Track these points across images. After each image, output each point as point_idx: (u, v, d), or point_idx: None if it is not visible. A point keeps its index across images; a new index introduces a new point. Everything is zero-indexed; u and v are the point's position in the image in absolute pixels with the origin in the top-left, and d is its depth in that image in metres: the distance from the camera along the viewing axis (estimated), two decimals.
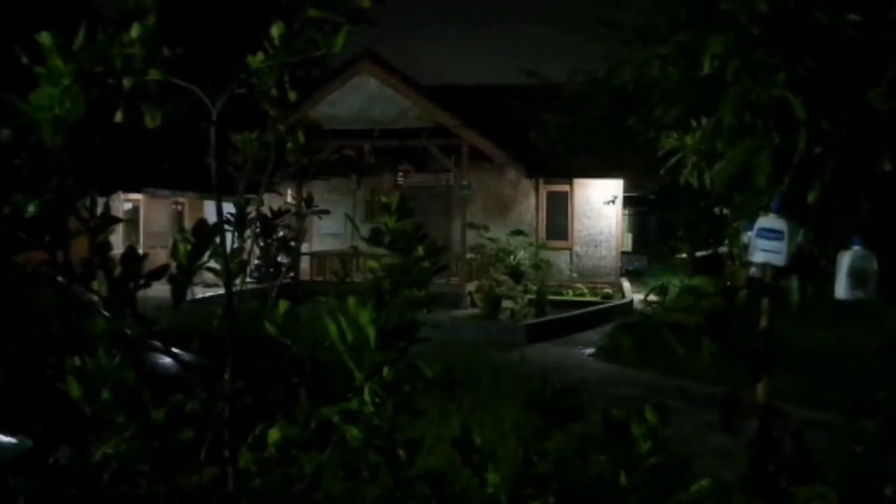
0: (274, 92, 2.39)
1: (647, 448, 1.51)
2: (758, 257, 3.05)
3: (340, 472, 1.43)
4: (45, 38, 1.28)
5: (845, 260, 2.90)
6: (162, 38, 1.98)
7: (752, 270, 3.21)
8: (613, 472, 1.50)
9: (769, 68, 2.94)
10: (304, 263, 15.27)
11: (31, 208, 1.21)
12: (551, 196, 18.20)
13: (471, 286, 14.69)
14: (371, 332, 1.51)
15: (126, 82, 1.61)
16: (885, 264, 3.04)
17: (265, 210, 5.18)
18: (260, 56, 2.30)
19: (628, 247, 25.93)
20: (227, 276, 1.86)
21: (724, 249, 3.89)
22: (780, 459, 2.87)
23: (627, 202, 20.06)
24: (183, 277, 1.67)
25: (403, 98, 14.67)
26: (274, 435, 1.43)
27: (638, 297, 14.78)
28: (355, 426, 1.49)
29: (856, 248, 2.91)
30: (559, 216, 18.14)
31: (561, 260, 17.68)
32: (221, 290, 1.75)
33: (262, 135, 2.62)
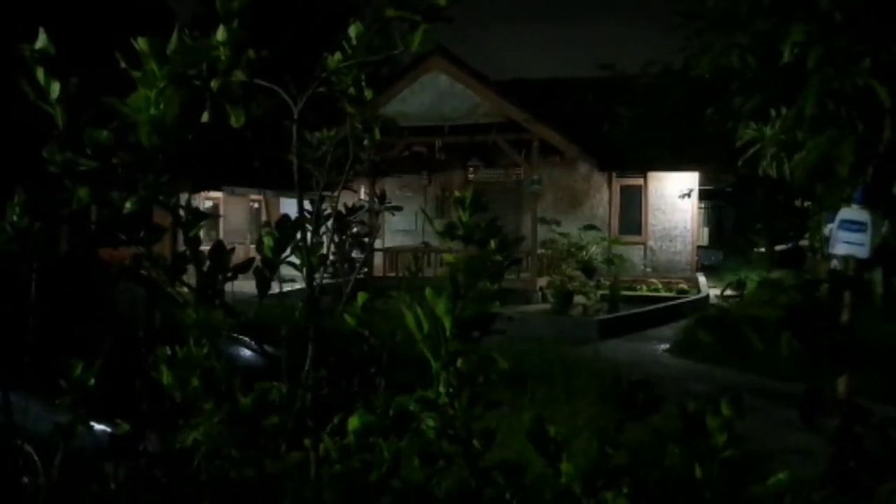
0: (352, 90, 2.49)
1: (723, 441, 1.51)
2: (840, 249, 2.96)
3: (416, 460, 1.48)
4: (142, 43, 1.39)
5: None
6: (247, 41, 2.10)
7: (835, 263, 3.12)
8: (689, 465, 1.51)
9: (852, 56, 2.85)
10: (377, 259, 15.55)
11: (128, 205, 1.31)
12: (624, 190, 17.89)
13: (542, 281, 14.62)
14: (447, 322, 1.57)
15: (213, 83, 1.72)
16: None
17: (340, 207, 5.36)
18: (338, 56, 2.41)
19: (704, 241, 25.18)
20: (310, 270, 1.96)
21: (804, 243, 3.78)
22: (862, 455, 2.78)
23: (703, 195, 19.50)
24: (268, 270, 1.77)
25: (473, 94, 14.72)
26: (354, 423, 1.48)
27: (714, 293, 14.37)
28: (430, 415, 1.53)
29: None
30: (632, 210, 17.82)
31: (634, 255, 17.36)
32: (297, 286, 1.84)
33: (340, 132, 2.74)
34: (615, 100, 14.26)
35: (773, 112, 3.38)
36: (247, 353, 5.23)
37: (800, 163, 3.21)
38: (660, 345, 10.84)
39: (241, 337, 5.61)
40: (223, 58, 1.98)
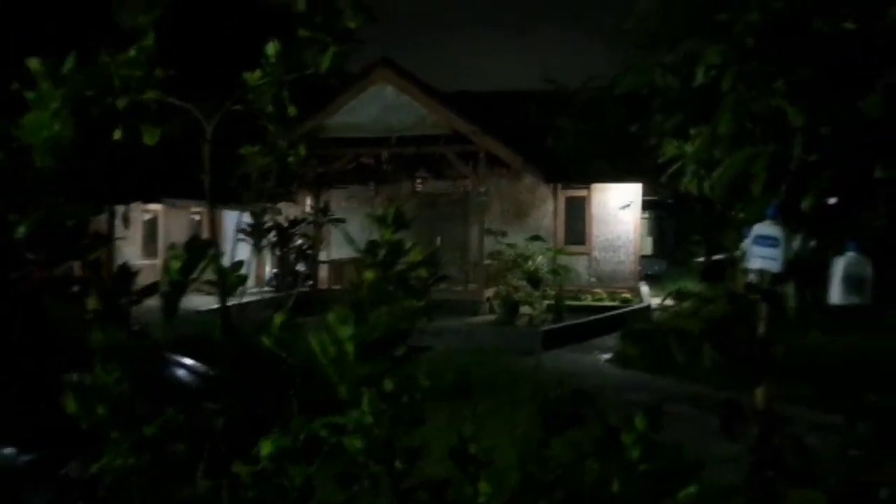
0: (271, 108, 2.48)
1: (638, 455, 1.54)
2: (755, 264, 3.08)
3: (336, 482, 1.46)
4: (33, 63, 1.35)
5: (840, 265, 2.92)
6: (160, 58, 2.06)
7: (751, 276, 3.23)
8: (606, 480, 1.53)
9: (765, 77, 2.97)
10: (323, 272, 15.43)
11: (21, 229, 1.27)
12: (569, 201, 18.19)
13: (489, 292, 14.73)
14: (350, 347, 1.57)
15: (119, 103, 1.68)
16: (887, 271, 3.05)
17: (282, 220, 5.29)
18: (258, 73, 2.39)
19: (648, 251, 25.77)
20: (224, 291, 1.93)
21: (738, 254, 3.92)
22: (779, 464, 2.89)
23: (646, 206, 19.97)
24: (174, 293, 1.73)
25: (420, 106, 14.78)
26: (267, 447, 1.45)
27: (656, 302, 14.71)
28: (356, 437, 1.52)
29: (850, 253, 2.93)
30: (577, 221, 18.13)
31: (579, 265, 17.65)
32: (243, 299, 1.82)
33: (265, 148, 2.71)
34: (559, 113, 14.52)
35: (692, 130, 3.50)
36: (184, 373, 5.10)
37: (717, 179, 3.33)
38: (602, 354, 11.03)
39: (178, 358, 5.46)
40: (135, 76, 1.95)
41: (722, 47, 2.90)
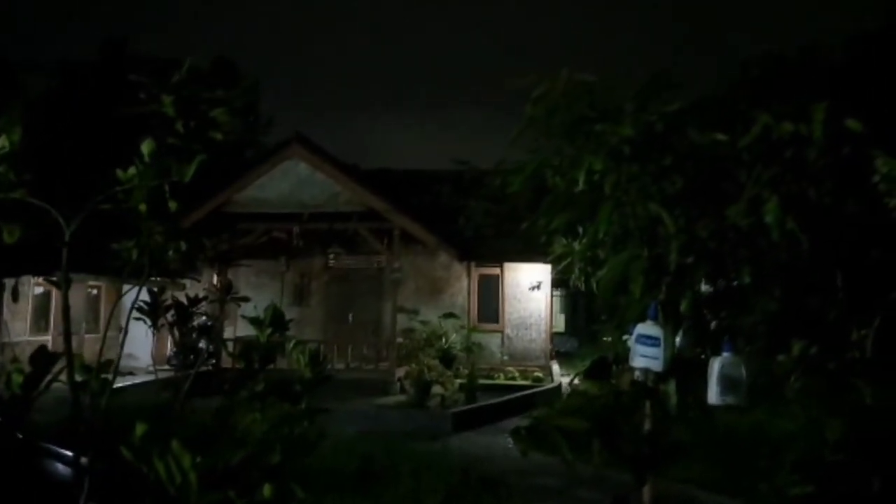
0: (143, 207, 2.39)
1: None
2: (638, 363, 3.15)
3: None
4: None
5: (716, 366, 3.02)
6: (29, 159, 2.00)
7: (637, 374, 3.30)
8: None
9: (642, 184, 3.13)
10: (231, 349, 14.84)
11: None
12: (483, 279, 18.41)
13: (400, 371, 14.52)
14: (193, 477, 1.48)
15: None
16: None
17: (185, 296, 4.97)
18: (131, 170, 2.31)
19: (561, 328, 26.24)
20: (74, 393, 1.83)
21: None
22: None
23: (559, 283, 20.46)
24: (17, 408, 1.63)
25: (334, 182, 14.82)
26: None
27: (566, 381, 14.87)
28: None
29: (725, 354, 3.04)
30: (490, 299, 18.31)
31: (493, 343, 17.73)
32: (138, 379, 1.71)
33: (140, 241, 2.60)
34: (471, 193, 14.87)
35: (580, 229, 3.63)
36: (60, 467, 4.71)
37: (602, 279, 3.44)
38: (526, 433, 10.95)
39: (49, 447, 5.04)
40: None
41: (600, 155, 3.04)
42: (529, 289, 17.50)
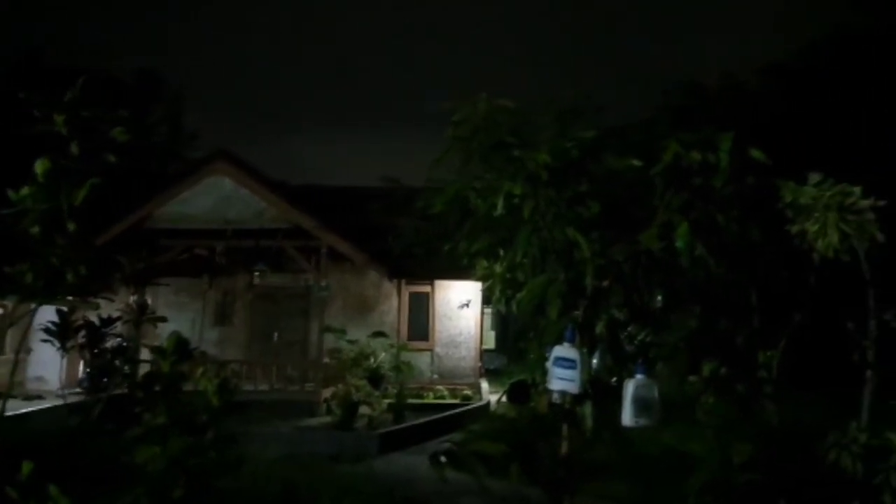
0: (36, 229, 2.25)
1: None
2: (555, 385, 3.17)
3: None
4: None
5: (629, 388, 3.07)
6: None
7: (555, 397, 3.32)
8: None
9: (559, 209, 3.17)
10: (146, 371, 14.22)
11: None
12: (413, 297, 18.34)
13: (327, 392, 14.24)
14: None
15: None
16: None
17: (98, 316, 4.66)
18: (25, 190, 2.17)
19: (491, 345, 26.35)
20: None
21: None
22: None
23: (490, 300, 20.53)
24: None
25: (260, 199, 14.50)
26: None
27: (495, 398, 14.93)
28: None
29: (639, 376, 3.09)
30: (421, 317, 18.25)
31: (422, 361, 17.64)
32: (47, 403, 1.58)
33: (36, 264, 2.45)
34: (401, 211, 14.82)
35: (501, 252, 3.64)
36: None
37: (521, 301, 3.46)
38: (445, 457, 10.88)
39: None
40: None
41: (517, 181, 3.06)
42: (459, 307, 17.54)
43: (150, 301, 15.07)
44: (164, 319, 8.75)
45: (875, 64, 17.95)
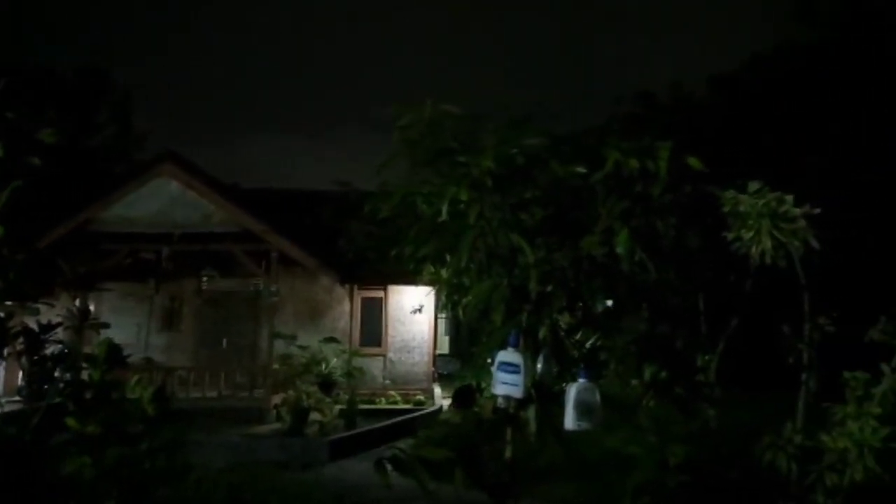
0: None
1: None
2: (499, 390, 3.18)
3: None
4: None
5: (572, 392, 3.10)
6: None
7: (500, 401, 3.34)
8: None
9: (503, 215, 3.19)
10: None
11: None
12: (366, 302, 18.21)
13: (277, 398, 14.02)
14: None
15: None
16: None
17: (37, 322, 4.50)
18: None
19: (446, 350, 26.33)
20: None
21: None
22: None
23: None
24: None
25: (208, 202, 14.21)
26: None
27: (448, 403, 14.94)
28: None
29: (581, 380, 3.13)
30: (374, 322, 18.13)
31: (375, 367, 17.53)
32: None
33: None
34: (353, 215, 14.71)
35: (448, 257, 3.64)
36: None
37: (467, 306, 3.47)
38: (390, 463, 10.83)
39: None
40: None
41: (462, 186, 3.07)
42: (411, 312, 17.50)
43: (93, 306, 14.62)
44: (106, 325, 8.50)
45: (816, 75, 18.65)
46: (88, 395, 1.87)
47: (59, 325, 5.18)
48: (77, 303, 13.64)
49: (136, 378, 2.54)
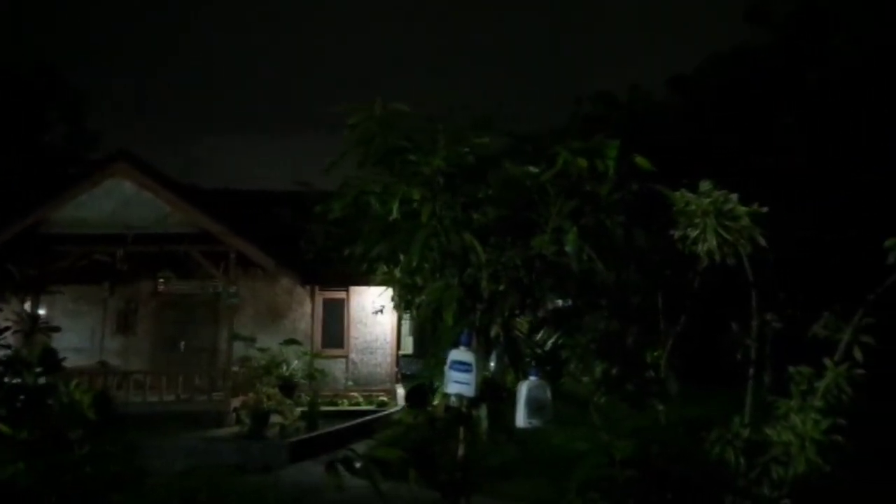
0: None
1: None
2: (452, 389, 3.18)
3: None
4: None
5: (523, 390, 3.12)
6: None
7: (452, 400, 3.34)
8: None
9: (455, 214, 3.19)
10: None
11: None
12: (328, 303, 18.08)
13: (236, 401, 13.83)
14: None
15: None
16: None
17: None
18: None
19: (410, 350, 26.29)
20: None
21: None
22: None
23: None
24: None
25: (163, 202, 13.94)
26: None
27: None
28: None
29: (532, 378, 3.15)
30: (335, 323, 18.01)
31: (337, 368, 17.42)
32: None
33: None
34: (314, 216, 14.57)
35: (401, 256, 3.63)
36: None
37: (420, 305, 3.46)
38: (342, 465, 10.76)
39: None
40: None
41: (412, 185, 3.07)
42: (373, 313, 17.43)
43: (45, 310, 14.22)
44: (57, 329, 8.26)
45: (768, 75, 19.12)
46: (20, 401, 1.82)
47: (7, 329, 5.04)
48: (27, 306, 13.26)
49: (75, 382, 2.47)
